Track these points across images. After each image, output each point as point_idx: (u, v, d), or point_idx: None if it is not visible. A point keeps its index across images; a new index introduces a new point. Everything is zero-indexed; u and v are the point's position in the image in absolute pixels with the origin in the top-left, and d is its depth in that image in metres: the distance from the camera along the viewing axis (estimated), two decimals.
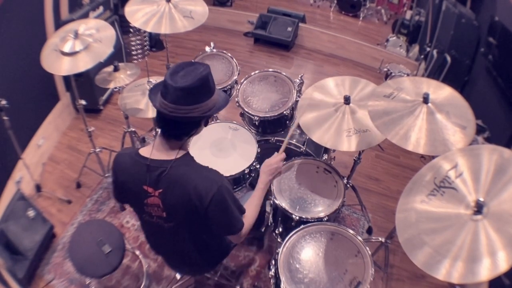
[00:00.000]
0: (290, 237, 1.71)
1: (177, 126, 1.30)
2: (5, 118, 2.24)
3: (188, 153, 1.37)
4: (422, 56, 3.81)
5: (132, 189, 1.38)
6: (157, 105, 1.27)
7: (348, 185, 2.48)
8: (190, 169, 1.33)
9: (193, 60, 2.53)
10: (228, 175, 2.00)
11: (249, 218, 1.48)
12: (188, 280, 2.25)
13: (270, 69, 2.46)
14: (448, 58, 3.14)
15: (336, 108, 1.90)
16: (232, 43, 4.90)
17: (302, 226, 1.75)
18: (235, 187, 2.13)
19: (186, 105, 1.23)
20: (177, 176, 1.30)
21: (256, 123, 2.27)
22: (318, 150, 2.41)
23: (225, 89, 2.49)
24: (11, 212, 2.25)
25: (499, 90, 2.55)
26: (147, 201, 1.37)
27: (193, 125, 1.33)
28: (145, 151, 1.36)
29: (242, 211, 1.45)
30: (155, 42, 4.53)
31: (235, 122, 2.35)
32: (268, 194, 2.00)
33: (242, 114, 2.41)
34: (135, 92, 2.56)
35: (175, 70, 1.25)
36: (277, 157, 1.65)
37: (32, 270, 2.26)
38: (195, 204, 1.30)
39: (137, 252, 2.43)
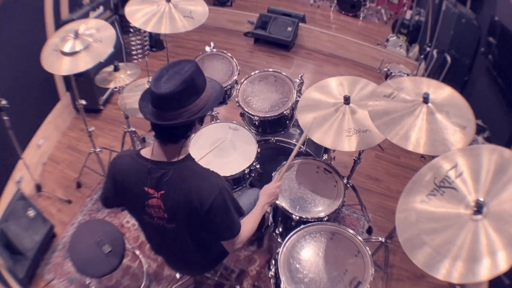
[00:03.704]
0: (290, 237, 1.71)
1: (169, 131, 1.27)
2: (5, 118, 2.24)
3: (189, 155, 1.37)
4: (422, 56, 3.81)
5: (133, 190, 1.37)
6: (146, 113, 1.25)
7: (348, 185, 2.48)
8: (191, 171, 1.32)
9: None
10: (228, 175, 2.01)
11: (245, 230, 1.49)
12: (188, 280, 2.25)
13: (270, 69, 2.46)
14: (448, 58, 3.14)
15: (336, 108, 1.90)
16: (232, 43, 4.90)
17: (302, 226, 1.75)
18: (235, 187, 2.13)
19: (172, 110, 1.20)
20: (179, 178, 1.30)
21: (256, 123, 2.27)
22: (318, 150, 2.41)
23: (225, 89, 2.48)
24: (11, 212, 2.25)
25: (499, 90, 2.55)
26: (148, 202, 1.36)
27: (186, 128, 1.29)
28: (146, 152, 1.35)
29: (240, 212, 1.46)
30: (155, 42, 4.53)
31: (235, 122, 2.35)
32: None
33: (242, 114, 2.41)
34: (135, 92, 2.56)
35: (160, 75, 1.21)
36: (275, 184, 1.73)
37: (32, 270, 2.26)
38: (196, 207, 1.30)
39: (137, 252, 2.43)
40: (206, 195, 1.28)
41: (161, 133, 1.29)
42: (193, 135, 1.41)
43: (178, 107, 1.20)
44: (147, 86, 2.52)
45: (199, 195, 1.28)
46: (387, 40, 4.57)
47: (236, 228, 1.42)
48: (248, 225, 1.53)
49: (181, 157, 1.32)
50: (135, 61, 4.32)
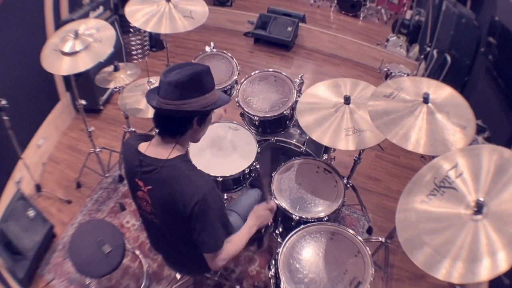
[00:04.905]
0: (290, 237, 1.71)
1: (169, 121, 1.32)
2: (5, 118, 2.24)
3: (183, 155, 1.37)
4: (422, 56, 3.81)
5: (128, 177, 1.45)
6: (150, 100, 1.31)
7: (348, 185, 2.48)
8: (179, 172, 1.31)
9: (193, 61, 2.53)
10: (228, 175, 2.00)
11: (230, 248, 1.44)
12: (188, 280, 2.25)
13: (270, 69, 2.46)
14: (448, 58, 3.14)
15: (336, 108, 1.90)
16: (232, 43, 4.90)
17: (302, 226, 1.75)
18: (235, 187, 2.13)
19: (175, 99, 1.24)
20: (167, 176, 1.30)
21: (256, 123, 2.27)
22: (318, 150, 2.41)
23: (225, 89, 2.49)
24: (11, 212, 2.25)
25: (499, 90, 2.55)
26: (137, 194, 1.41)
27: (184, 121, 1.32)
28: (142, 146, 1.38)
29: (228, 231, 1.42)
30: (155, 42, 4.53)
31: (235, 122, 2.35)
32: (269, 194, 2.01)
33: (242, 114, 2.41)
34: (135, 92, 2.55)
35: (172, 68, 1.28)
36: (267, 205, 1.68)
37: (32, 270, 2.26)
38: (179, 208, 1.29)
39: (137, 252, 2.43)
40: (189, 198, 1.26)
41: (160, 123, 1.33)
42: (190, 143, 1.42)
43: (181, 97, 1.25)
44: (147, 87, 2.53)
45: (183, 197, 1.27)
46: (387, 40, 4.58)
47: (218, 242, 1.37)
48: (233, 243, 1.47)
49: (172, 156, 1.32)
50: (135, 61, 4.29)
